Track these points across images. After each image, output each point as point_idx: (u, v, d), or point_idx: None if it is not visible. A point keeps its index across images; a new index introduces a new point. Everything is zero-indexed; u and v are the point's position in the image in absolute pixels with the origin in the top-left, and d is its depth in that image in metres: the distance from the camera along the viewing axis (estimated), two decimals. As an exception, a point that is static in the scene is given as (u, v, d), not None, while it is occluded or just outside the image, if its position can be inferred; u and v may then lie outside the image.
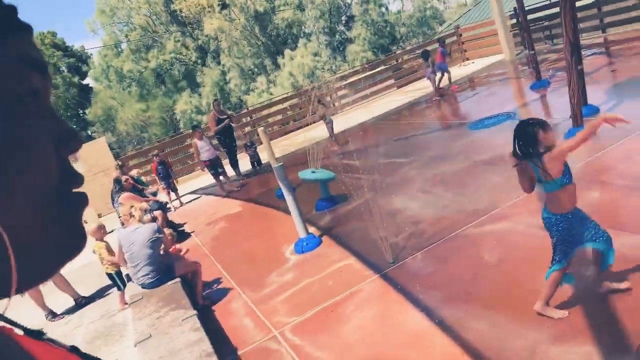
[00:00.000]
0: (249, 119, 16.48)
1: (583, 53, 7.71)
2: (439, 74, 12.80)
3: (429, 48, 14.54)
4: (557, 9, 10.89)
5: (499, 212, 5.34)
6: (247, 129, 15.78)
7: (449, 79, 13.14)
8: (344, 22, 34.72)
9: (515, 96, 10.72)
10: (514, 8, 13.42)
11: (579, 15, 12.39)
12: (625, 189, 4.90)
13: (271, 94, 28.35)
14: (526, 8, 10.76)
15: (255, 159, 12.01)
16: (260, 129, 6.40)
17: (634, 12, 10.79)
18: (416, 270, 4.82)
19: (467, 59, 17.27)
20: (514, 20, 14.65)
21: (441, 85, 13.03)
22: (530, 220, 4.95)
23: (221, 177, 10.51)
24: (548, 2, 13.75)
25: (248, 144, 12.10)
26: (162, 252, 5.47)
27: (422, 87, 15.18)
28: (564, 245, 3.27)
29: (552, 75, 10.52)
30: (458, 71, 15.48)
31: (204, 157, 10.11)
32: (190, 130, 11.71)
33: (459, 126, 9.80)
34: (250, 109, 18.18)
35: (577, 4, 12.18)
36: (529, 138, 3.12)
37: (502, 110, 9.20)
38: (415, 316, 4.08)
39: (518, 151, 3.20)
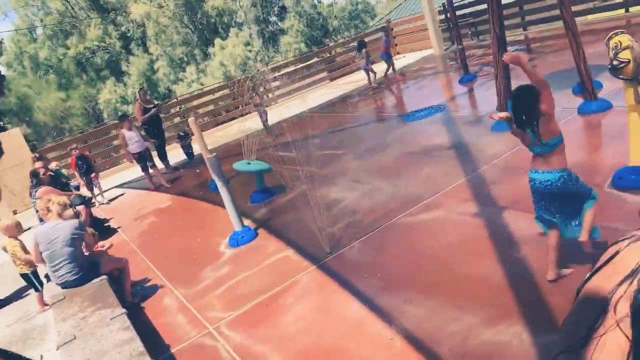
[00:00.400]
0: (178, 109, 15.92)
1: (508, 48, 8.05)
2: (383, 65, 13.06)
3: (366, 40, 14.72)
4: (484, 6, 11.36)
5: (431, 200, 5.47)
6: (177, 119, 15.24)
7: (386, 70, 13.29)
8: (276, 12, 34.39)
9: (445, 89, 11.07)
10: (443, 4, 13.87)
11: (503, 12, 12.98)
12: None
13: (202, 84, 27.57)
14: (454, 4, 11.10)
15: (187, 151, 11.57)
16: (191, 119, 6.15)
17: (551, 11, 11.45)
18: (353, 260, 4.83)
19: (398, 53, 17.63)
20: (443, 16, 15.10)
21: (386, 74, 13.17)
22: (461, 208, 5.11)
23: (151, 170, 10.05)
24: (472, -1, 14.30)
25: (181, 134, 11.60)
26: (85, 253, 5.13)
27: (355, 80, 15.33)
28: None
29: (479, 69, 10.95)
30: (383, 66, 15.72)
31: (133, 148, 9.57)
32: (117, 121, 11.05)
33: (392, 118, 9.98)
34: (179, 98, 17.56)
35: (501, 1, 12.77)
36: (530, 107, 3.22)
37: (433, 103, 9.47)
38: (353, 305, 4.08)
39: (518, 120, 3.30)
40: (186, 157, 11.63)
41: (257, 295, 4.69)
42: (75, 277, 4.92)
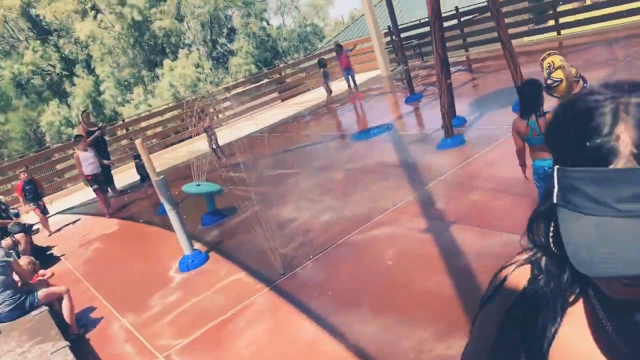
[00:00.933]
0: (125, 131, 15.52)
1: (451, 69, 8.36)
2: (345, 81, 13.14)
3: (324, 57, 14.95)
4: (427, 28, 11.76)
5: (382, 217, 5.54)
6: (124, 142, 14.84)
7: (349, 88, 13.33)
8: (225, 34, 34.35)
9: (393, 109, 11.34)
10: (388, 26, 14.29)
11: (446, 34, 13.55)
12: (493, 192, 5.35)
13: (149, 105, 27.04)
14: (399, 27, 11.46)
15: (141, 173, 11.15)
16: (137, 141, 6.00)
17: (490, 34, 12.01)
18: (306, 280, 4.80)
19: (347, 74, 17.93)
20: (389, 38, 15.55)
21: (350, 91, 13.24)
22: (410, 224, 5.21)
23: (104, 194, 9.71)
24: (418, 22, 14.83)
25: (136, 154, 11.19)
26: (18, 284, 4.85)
27: (306, 100, 15.48)
28: None
29: (424, 89, 11.30)
30: (339, 85, 16.02)
31: (88, 170, 9.24)
32: (61, 144, 10.62)
33: (343, 137, 10.11)
34: (126, 120, 17.14)
35: (444, 24, 13.33)
36: (534, 97, 3.61)
37: (382, 122, 9.67)
38: (307, 325, 4.04)
39: (524, 108, 3.68)
40: (139, 178, 11.20)
41: (208, 320, 4.58)
42: (10, 307, 4.64)
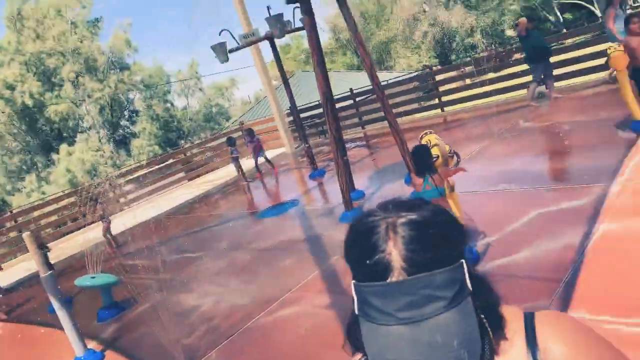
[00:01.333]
0: (14, 222, 14.36)
1: (348, 145, 8.84)
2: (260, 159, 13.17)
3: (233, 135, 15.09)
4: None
5: (288, 296, 5.51)
6: (12, 234, 13.68)
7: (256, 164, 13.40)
8: (127, 116, 33.81)
9: (298, 185, 11.62)
10: (289, 107, 14.95)
11: (343, 114, 14.44)
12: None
13: (43, 193, 25.37)
14: (299, 107, 12.05)
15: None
16: (25, 234, 5.59)
17: (381, 112, 12.97)
18: (211, 371, 4.57)
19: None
20: (291, 118, 16.21)
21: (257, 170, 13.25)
22: (317, 301, 5.22)
23: None
24: (317, 102, 15.66)
25: (40, 244, 10.30)
26: None
27: (213, 179, 15.40)
28: None
29: (327, 165, 11.76)
30: (248, 163, 16.19)
31: None
32: None
33: (249, 215, 10.10)
34: (14, 211, 15.92)
35: (341, 104, 14.21)
36: (425, 158, 4.32)
37: (287, 198, 9.84)
38: (212, 423, 3.81)
39: (417, 169, 4.34)
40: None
41: None
42: None
